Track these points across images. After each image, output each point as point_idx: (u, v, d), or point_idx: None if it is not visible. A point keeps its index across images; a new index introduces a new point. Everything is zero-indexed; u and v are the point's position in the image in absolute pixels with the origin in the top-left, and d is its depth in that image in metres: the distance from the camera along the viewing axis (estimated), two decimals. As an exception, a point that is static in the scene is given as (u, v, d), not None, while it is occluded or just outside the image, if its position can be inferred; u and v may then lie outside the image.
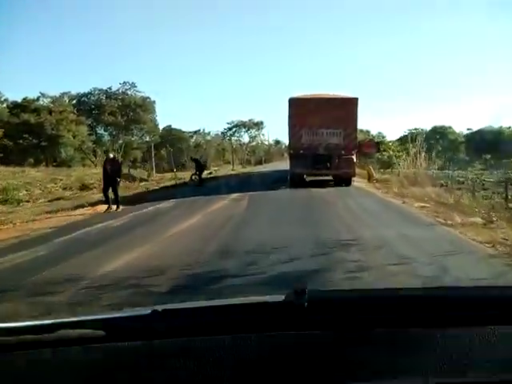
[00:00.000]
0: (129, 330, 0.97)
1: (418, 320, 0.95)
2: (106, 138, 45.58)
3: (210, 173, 34.38)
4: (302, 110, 15.91)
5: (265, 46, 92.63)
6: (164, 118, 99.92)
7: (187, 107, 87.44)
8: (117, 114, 43.51)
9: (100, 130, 46.48)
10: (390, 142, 53.58)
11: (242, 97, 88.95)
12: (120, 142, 46.27)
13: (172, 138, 56.42)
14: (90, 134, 40.65)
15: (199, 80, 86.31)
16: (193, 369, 0.84)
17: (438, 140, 55.43)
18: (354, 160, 16.37)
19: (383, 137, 53.46)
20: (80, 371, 0.87)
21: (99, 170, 31.95)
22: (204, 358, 0.86)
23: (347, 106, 15.79)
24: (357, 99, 16.04)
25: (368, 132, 56.56)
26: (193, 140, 57.90)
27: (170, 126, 55.22)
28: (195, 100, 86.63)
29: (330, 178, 17.69)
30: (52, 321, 1.01)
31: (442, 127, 52.92)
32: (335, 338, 0.90)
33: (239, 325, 0.96)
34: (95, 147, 41.92)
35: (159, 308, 1.01)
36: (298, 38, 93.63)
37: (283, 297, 0.98)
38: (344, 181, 16.01)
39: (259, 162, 61.76)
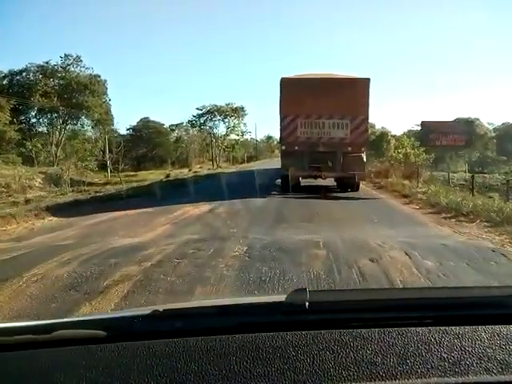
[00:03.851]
0: (129, 331, 0.96)
1: (418, 320, 0.95)
2: (43, 127, 33.29)
3: (168, 175, 27.01)
4: (297, 93, 12.15)
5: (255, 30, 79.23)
6: (142, 109, 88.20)
7: (170, 100, 77.21)
8: (52, 95, 31.26)
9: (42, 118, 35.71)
10: (403, 136, 42.57)
11: (229, 87, 75.67)
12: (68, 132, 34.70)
13: (149, 131, 48.19)
14: (14, 122, 28.28)
15: (188, 72, 74.09)
16: (194, 369, 0.82)
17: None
18: (364, 159, 12.68)
19: (387, 133, 43.64)
20: (80, 372, 0.84)
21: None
22: (205, 359, 0.84)
23: (356, 90, 12.15)
24: (368, 80, 12.32)
25: (373, 126, 44.89)
26: (174, 134, 50.11)
27: (148, 117, 48.25)
28: (181, 93, 74.83)
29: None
30: (52, 321, 1.03)
31: (467, 120, 40.84)
32: (336, 338, 0.88)
33: (240, 325, 0.95)
34: (22, 138, 29.65)
35: (160, 308, 1.02)
36: (294, 14, 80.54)
37: (284, 297, 0.98)
38: (350, 186, 12.54)
39: (245, 160, 49.33)
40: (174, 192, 13.30)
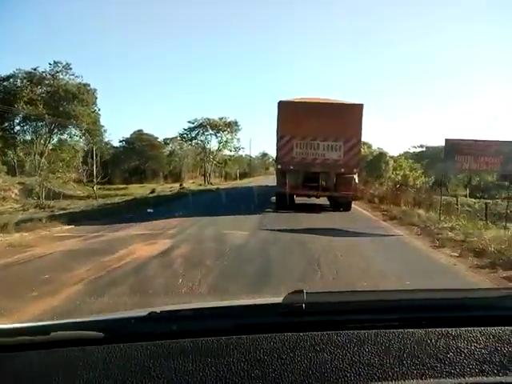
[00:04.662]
0: (126, 332, 0.95)
1: (416, 321, 0.94)
2: (28, 135, 31.10)
3: (153, 191, 25.18)
4: (294, 116, 12.49)
5: (251, 45, 77.90)
6: (137, 121, 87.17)
7: (165, 113, 77.15)
8: (38, 102, 29.14)
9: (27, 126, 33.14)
10: (401, 158, 40.81)
11: (226, 103, 74.02)
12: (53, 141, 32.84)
13: (142, 144, 45.99)
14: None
15: (185, 86, 72.31)
16: (191, 371, 0.81)
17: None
18: (356, 180, 13.35)
19: (385, 154, 41.29)
20: (77, 373, 0.82)
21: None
22: (202, 360, 0.83)
23: (350, 114, 12.59)
24: (362, 106, 12.80)
25: (370, 146, 43.08)
26: (168, 148, 48.21)
27: (141, 130, 46.27)
28: (177, 107, 73.27)
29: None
30: (50, 322, 1.02)
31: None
32: (333, 340, 0.86)
33: (237, 326, 0.93)
34: (3, 146, 27.57)
35: (157, 310, 0.99)
36: (290, 36, 79.59)
37: (281, 298, 0.96)
38: (343, 205, 12.91)
39: (240, 177, 46.99)
40: (144, 213, 11.06)
